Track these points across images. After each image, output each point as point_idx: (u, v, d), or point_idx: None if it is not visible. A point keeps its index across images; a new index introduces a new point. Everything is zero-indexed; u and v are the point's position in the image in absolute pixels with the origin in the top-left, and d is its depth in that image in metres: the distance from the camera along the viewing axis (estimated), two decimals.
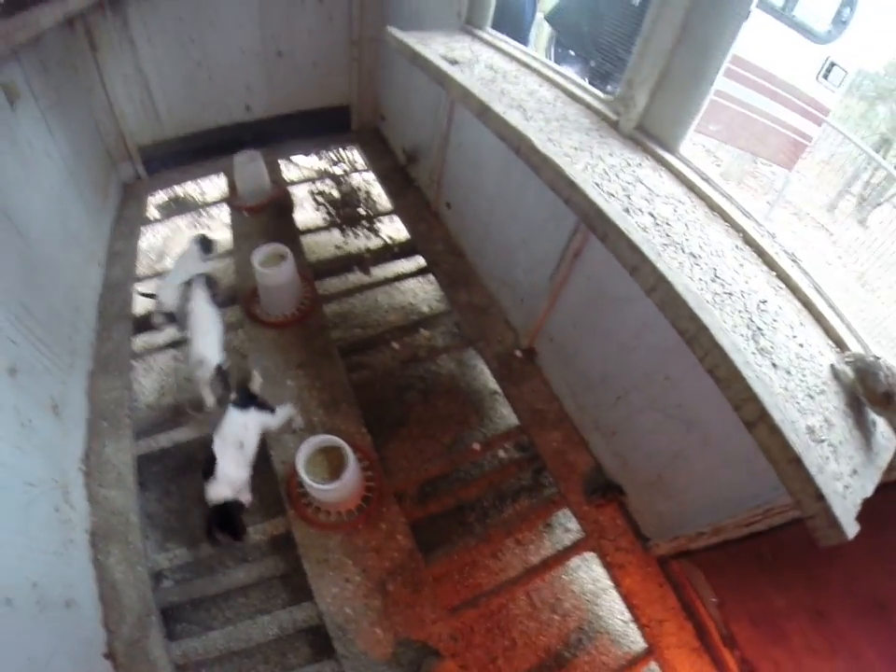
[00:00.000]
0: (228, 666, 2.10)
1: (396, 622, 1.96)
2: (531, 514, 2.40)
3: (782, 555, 1.69)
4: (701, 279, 1.26)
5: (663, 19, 1.59)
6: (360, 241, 3.81)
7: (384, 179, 3.93)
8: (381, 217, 3.90)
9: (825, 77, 2.91)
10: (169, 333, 2.83)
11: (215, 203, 3.93)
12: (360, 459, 2.28)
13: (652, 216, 1.41)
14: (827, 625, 1.60)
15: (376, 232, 3.86)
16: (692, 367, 1.67)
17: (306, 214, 4.00)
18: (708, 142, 6.36)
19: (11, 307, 2.05)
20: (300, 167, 4.47)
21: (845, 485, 1.03)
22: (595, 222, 1.38)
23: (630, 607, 2.06)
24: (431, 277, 3.52)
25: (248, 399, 2.19)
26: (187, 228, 4.05)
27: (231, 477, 1.99)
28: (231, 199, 3.67)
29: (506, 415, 2.88)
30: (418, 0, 3.20)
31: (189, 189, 4.08)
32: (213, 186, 4.13)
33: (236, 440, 2.05)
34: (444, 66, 2.04)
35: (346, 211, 3.93)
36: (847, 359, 1.24)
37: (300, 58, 3.86)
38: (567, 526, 2.52)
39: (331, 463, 2.16)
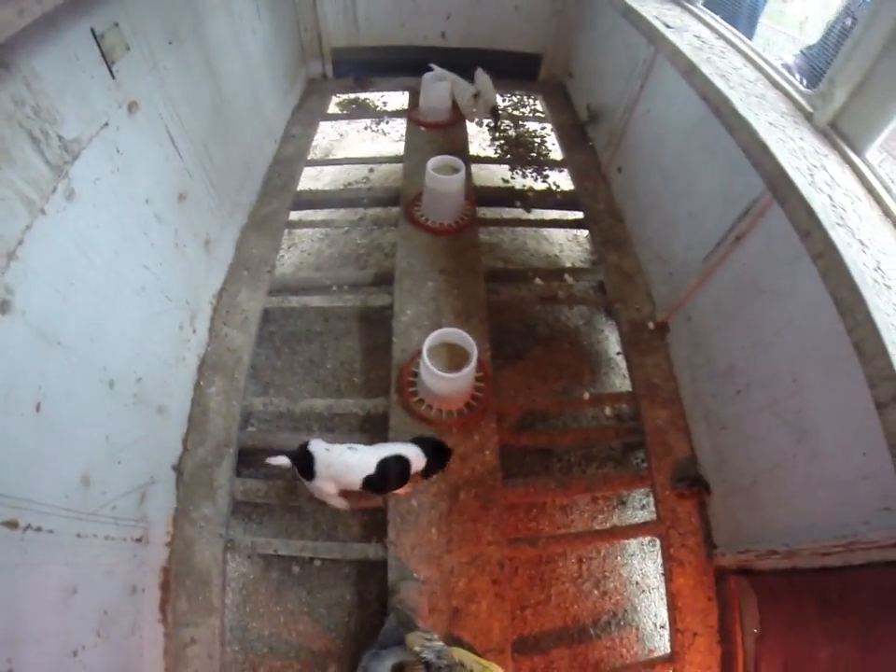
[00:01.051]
0: (278, 520, 2.26)
1: (454, 529, 2.02)
2: (614, 480, 2.43)
3: (847, 599, 1.55)
4: (865, 264, 1.28)
5: (875, 25, 1.62)
6: (526, 180, 3.92)
7: (561, 133, 3.96)
8: (551, 166, 3.96)
9: None
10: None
11: (394, 114, 4.21)
12: (477, 369, 2.31)
13: (831, 198, 1.39)
14: None
15: (544, 178, 3.94)
16: (825, 374, 1.63)
17: (480, 145, 4.20)
18: None
19: (196, 143, 2.40)
20: None
21: None
22: (778, 183, 1.41)
23: (671, 608, 2.03)
24: (583, 236, 3.56)
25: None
26: (359, 132, 4.37)
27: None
28: (412, 113, 3.91)
29: (617, 385, 2.90)
30: None
31: (372, 96, 4.39)
32: (394, 99, 4.40)
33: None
34: (658, 25, 2.05)
35: (518, 151, 4.05)
36: None
37: None
38: (643, 505, 2.54)
39: (452, 359, 2.28)
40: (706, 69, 1.81)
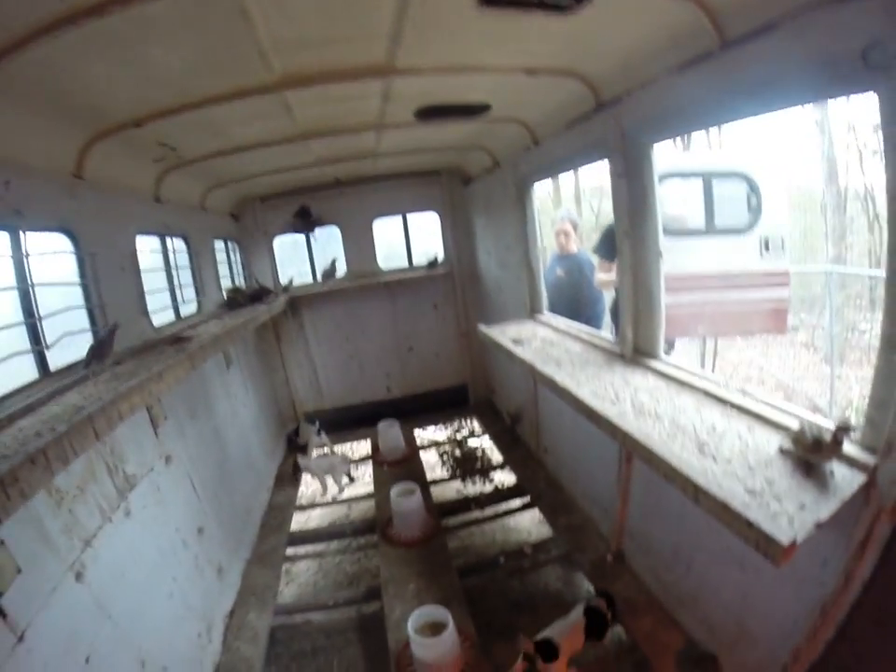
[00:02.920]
0: None
1: None
2: None
3: (864, 659, 1.62)
4: (661, 428, 1.84)
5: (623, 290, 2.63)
6: (477, 486, 4.52)
7: (496, 439, 4.82)
8: (494, 469, 4.65)
9: (766, 249, 3.51)
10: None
11: (361, 460, 5.06)
12: (462, 641, 2.53)
13: (634, 404, 2.06)
14: None
15: (490, 480, 4.55)
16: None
17: (434, 469, 4.91)
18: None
19: (209, 490, 3.03)
20: (428, 433, 5.63)
21: (787, 517, 1.27)
22: (600, 422, 2.01)
23: None
24: (536, 513, 4.03)
25: None
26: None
27: None
28: (375, 456, 4.75)
29: None
30: (502, 299, 4.57)
31: (342, 448, 5.23)
32: (359, 447, 5.38)
33: None
34: (510, 346, 3.07)
35: (466, 466, 4.78)
36: (787, 438, 1.57)
37: (425, 350, 5.43)
38: None
39: (435, 634, 2.47)
40: (541, 366, 2.61)
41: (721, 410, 2.00)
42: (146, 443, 2.52)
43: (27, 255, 1.84)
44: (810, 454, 1.53)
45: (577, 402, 2.20)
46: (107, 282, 2.32)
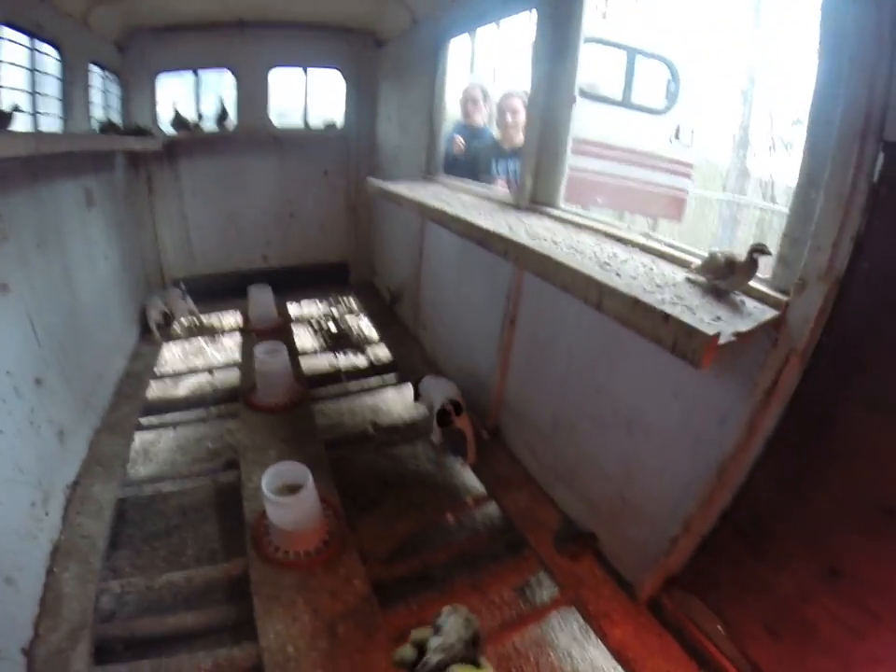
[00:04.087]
0: None
1: (341, 665, 1.81)
2: (500, 571, 2.29)
3: (762, 523, 1.55)
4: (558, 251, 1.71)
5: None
6: (349, 358, 4.35)
7: (373, 319, 4.69)
8: (369, 345, 4.49)
9: (676, 138, 3.72)
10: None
11: (230, 331, 4.65)
12: (325, 508, 2.36)
13: (528, 233, 1.95)
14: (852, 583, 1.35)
15: (364, 355, 4.39)
16: (612, 368, 2.01)
17: (306, 341, 4.62)
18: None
19: (53, 338, 2.53)
20: (303, 308, 5.28)
21: (705, 323, 1.17)
22: (491, 241, 1.89)
23: (624, 662, 1.80)
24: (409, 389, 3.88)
25: None
26: (200, 349, 4.64)
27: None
28: (244, 325, 4.43)
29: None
30: (397, 170, 4.29)
31: (210, 318, 4.84)
32: (229, 318, 4.91)
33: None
34: (403, 190, 2.85)
35: (340, 340, 4.57)
36: (693, 267, 1.56)
37: (308, 220, 5.02)
38: (543, 585, 2.33)
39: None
40: (442, 205, 2.40)
41: (623, 248, 1.97)
42: None
43: None
44: (721, 278, 1.45)
45: (468, 227, 2.05)
46: None
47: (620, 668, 1.83)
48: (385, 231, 4.90)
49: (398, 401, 3.93)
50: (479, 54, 3.95)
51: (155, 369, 3.85)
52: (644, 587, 1.95)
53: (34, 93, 2.68)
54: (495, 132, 3.61)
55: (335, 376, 3.94)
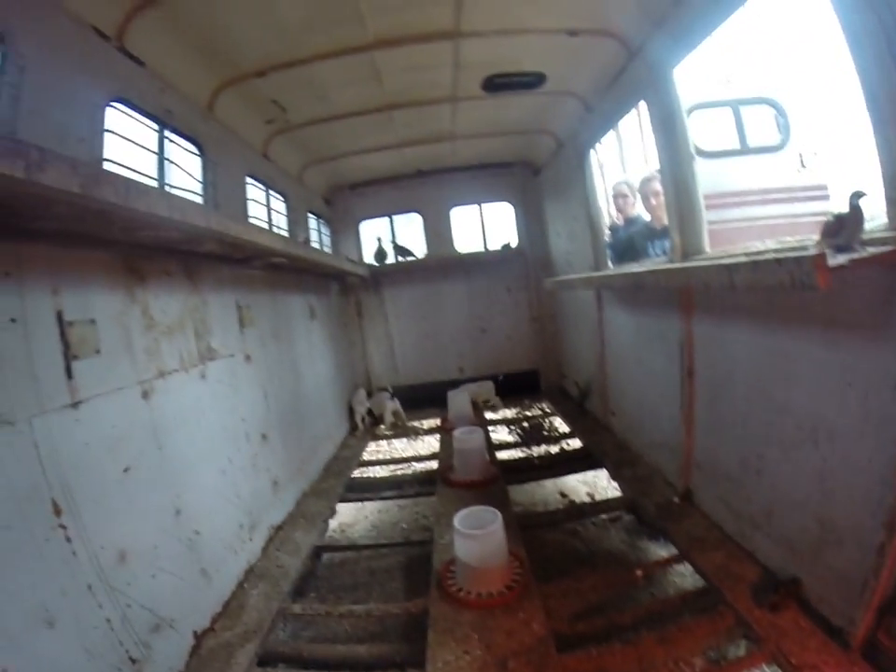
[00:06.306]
0: None
1: None
2: (692, 625, 2.01)
3: None
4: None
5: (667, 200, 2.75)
6: (541, 449, 4.47)
7: (565, 417, 4.83)
8: (561, 438, 4.58)
9: (803, 166, 3.52)
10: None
11: (429, 432, 5.18)
12: (511, 560, 2.39)
13: None
14: None
15: (556, 445, 4.49)
16: (786, 382, 1.97)
17: (501, 436, 4.92)
18: None
19: (279, 407, 3.27)
20: (497, 413, 5.59)
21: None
22: (658, 277, 2.33)
23: None
24: (602, 472, 3.82)
25: None
26: (403, 444, 5.22)
27: None
28: (442, 424, 4.91)
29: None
30: (570, 272, 4.65)
31: (412, 422, 5.43)
32: (429, 421, 5.46)
33: None
34: (574, 277, 3.37)
35: (532, 434, 4.78)
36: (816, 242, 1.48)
37: (497, 333, 5.65)
38: (739, 639, 1.96)
39: None
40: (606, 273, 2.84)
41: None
42: (230, 333, 2.75)
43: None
44: (836, 236, 1.45)
45: (635, 277, 2.67)
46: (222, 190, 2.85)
47: None
48: (569, 332, 5.24)
49: (588, 485, 3.90)
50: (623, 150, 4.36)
51: (361, 457, 4.49)
52: (854, 624, 1.60)
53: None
54: (646, 217, 3.87)
55: (528, 463, 4.13)
